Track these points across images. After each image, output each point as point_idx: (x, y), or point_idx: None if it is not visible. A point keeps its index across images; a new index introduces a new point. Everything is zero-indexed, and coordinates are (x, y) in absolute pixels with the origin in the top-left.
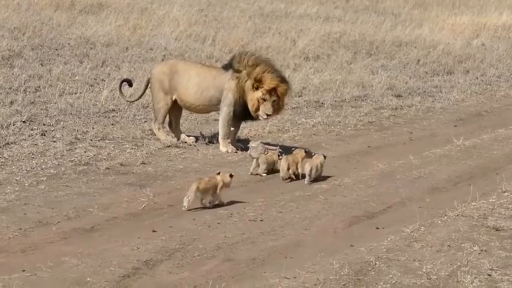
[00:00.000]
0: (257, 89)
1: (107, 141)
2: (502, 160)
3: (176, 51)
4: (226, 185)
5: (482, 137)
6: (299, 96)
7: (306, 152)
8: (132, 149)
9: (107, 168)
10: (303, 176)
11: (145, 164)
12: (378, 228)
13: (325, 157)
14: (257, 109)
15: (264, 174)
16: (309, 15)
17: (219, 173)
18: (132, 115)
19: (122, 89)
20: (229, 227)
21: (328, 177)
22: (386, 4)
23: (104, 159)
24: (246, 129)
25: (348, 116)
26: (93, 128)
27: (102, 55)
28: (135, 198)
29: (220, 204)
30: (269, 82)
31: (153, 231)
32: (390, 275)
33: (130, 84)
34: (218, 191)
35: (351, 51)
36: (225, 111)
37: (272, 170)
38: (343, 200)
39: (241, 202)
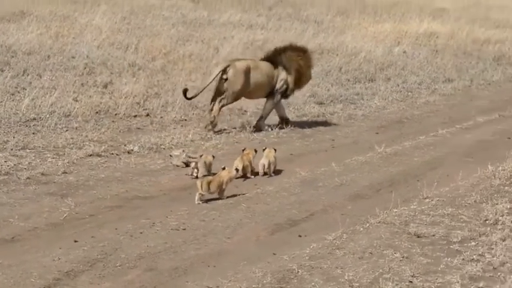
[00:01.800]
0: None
1: (28, 150)
2: (423, 167)
3: (98, 59)
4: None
5: (403, 144)
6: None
7: (255, 150)
8: (54, 158)
9: (28, 177)
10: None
11: (66, 173)
12: (300, 236)
13: (275, 150)
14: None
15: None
16: (232, 23)
17: (224, 168)
18: (53, 124)
19: (186, 95)
20: (151, 236)
21: (251, 185)
22: (309, 12)
23: (25, 168)
24: (168, 137)
25: (271, 124)
26: (13, 137)
27: (24, 63)
28: (57, 208)
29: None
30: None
31: (75, 241)
32: (313, 283)
33: (186, 90)
34: (224, 186)
35: None
36: (277, 97)
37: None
38: (265, 207)
39: (163, 211)
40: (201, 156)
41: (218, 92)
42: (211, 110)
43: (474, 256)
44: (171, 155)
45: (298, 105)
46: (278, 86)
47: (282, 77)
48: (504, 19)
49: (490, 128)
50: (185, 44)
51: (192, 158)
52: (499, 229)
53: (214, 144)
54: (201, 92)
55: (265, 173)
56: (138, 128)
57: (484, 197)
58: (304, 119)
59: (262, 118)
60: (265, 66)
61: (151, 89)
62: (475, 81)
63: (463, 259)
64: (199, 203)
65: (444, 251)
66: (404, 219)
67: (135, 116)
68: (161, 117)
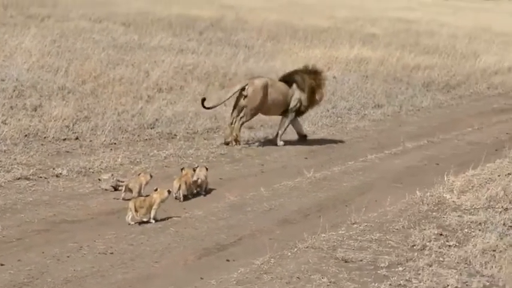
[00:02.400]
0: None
1: None
2: (352, 192)
3: (28, 82)
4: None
5: (332, 169)
6: (151, 128)
7: (194, 169)
8: None
9: None
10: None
11: None
12: (228, 260)
13: (207, 169)
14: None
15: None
16: (163, 47)
17: (156, 190)
18: None
19: (204, 104)
20: (78, 260)
21: (179, 209)
22: (240, 36)
23: None
24: (97, 161)
25: (200, 148)
26: None
27: None
28: None
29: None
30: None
31: (1, 264)
32: None
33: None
34: (155, 207)
35: (204, 83)
36: (292, 115)
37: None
38: (194, 232)
39: (91, 235)
40: (139, 174)
41: (237, 108)
42: (231, 124)
43: (401, 281)
44: (99, 179)
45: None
46: (292, 104)
47: (296, 96)
48: (433, 45)
49: (418, 154)
50: (115, 68)
51: (121, 181)
52: (426, 255)
53: (144, 168)
54: (219, 105)
55: (197, 192)
56: (67, 152)
57: (412, 222)
58: (234, 143)
59: (278, 135)
60: (281, 85)
61: (81, 112)
62: (404, 107)
63: (390, 284)
64: (131, 224)
65: (371, 276)
66: (332, 244)
67: (64, 140)
68: (90, 140)
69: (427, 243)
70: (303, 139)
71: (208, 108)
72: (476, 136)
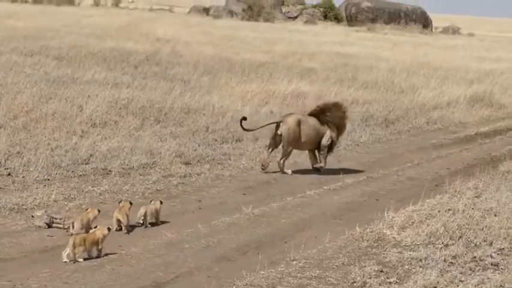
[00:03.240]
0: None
1: None
2: (291, 228)
3: None
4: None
5: (271, 205)
6: (86, 164)
7: (131, 203)
8: None
9: None
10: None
11: None
12: None
13: (161, 203)
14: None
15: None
16: (97, 81)
17: (96, 227)
18: None
19: (242, 124)
20: None
21: (115, 246)
22: (176, 71)
23: None
24: (30, 197)
25: (136, 184)
26: None
27: None
28: None
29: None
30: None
31: None
32: None
33: (245, 119)
34: (100, 245)
35: (139, 118)
36: (325, 150)
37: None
38: (130, 269)
39: (25, 273)
40: (86, 209)
41: (273, 142)
42: (268, 149)
43: None
44: (33, 216)
45: (164, 165)
46: (324, 141)
47: (328, 134)
48: (372, 80)
49: (358, 190)
50: (48, 102)
51: (55, 218)
52: None
53: (78, 204)
54: (255, 130)
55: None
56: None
57: (352, 259)
58: (171, 179)
59: (320, 170)
60: (312, 120)
61: (13, 147)
62: (343, 142)
63: None
64: (66, 261)
65: None
66: (271, 281)
67: None
68: (23, 176)
69: (368, 280)
70: (318, 170)
71: (246, 130)
72: (416, 171)
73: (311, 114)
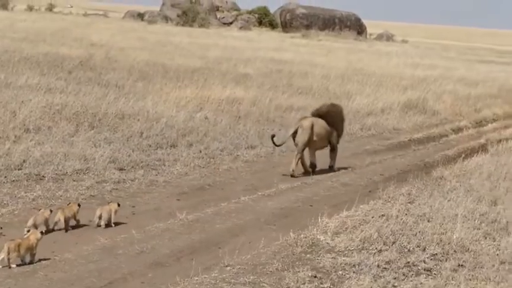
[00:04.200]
0: None
1: None
2: (225, 234)
3: None
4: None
5: (205, 210)
6: (19, 169)
7: (79, 204)
8: None
9: None
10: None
11: None
12: None
13: (119, 205)
14: None
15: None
16: (30, 86)
17: (29, 231)
18: None
19: (273, 140)
20: None
21: (48, 252)
22: (110, 76)
23: None
24: None
25: (70, 189)
26: None
27: None
28: None
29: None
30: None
31: None
32: None
33: (274, 136)
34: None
35: (73, 124)
36: (337, 146)
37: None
38: (63, 276)
39: None
40: (39, 210)
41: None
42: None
43: None
44: None
45: (98, 170)
46: (334, 141)
47: (335, 133)
48: (307, 86)
49: (292, 195)
50: None
51: None
52: None
53: (11, 210)
54: (284, 143)
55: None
56: None
57: (286, 264)
58: (104, 184)
59: (332, 166)
60: (322, 122)
61: None
62: (278, 148)
63: None
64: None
65: None
66: (205, 287)
67: None
68: None
69: (301, 286)
70: (313, 170)
71: (278, 145)
72: (349, 177)
73: (318, 116)
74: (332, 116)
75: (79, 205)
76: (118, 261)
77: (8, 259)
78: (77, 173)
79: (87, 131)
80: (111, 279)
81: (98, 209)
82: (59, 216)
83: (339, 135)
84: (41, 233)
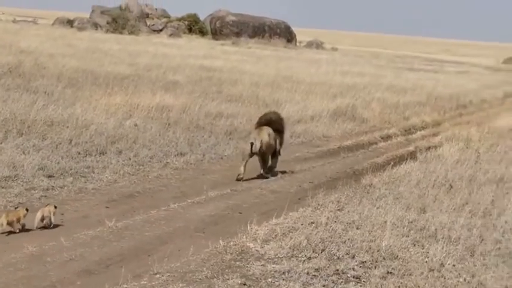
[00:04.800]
0: None
1: None
2: (154, 241)
3: None
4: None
5: (134, 218)
6: None
7: (26, 209)
8: None
9: None
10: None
11: None
12: None
13: (55, 207)
14: None
15: None
16: None
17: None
18: None
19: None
20: None
21: None
22: (39, 83)
23: None
24: None
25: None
26: None
27: None
28: None
29: None
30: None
31: None
32: None
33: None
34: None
35: (1, 131)
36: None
37: None
38: None
39: None
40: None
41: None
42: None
43: None
44: None
45: (26, 178)
46: (278, 147)
47: (279, 140)
48: (236, 93)
49: (221, 203)
50: None
51: None
52: None
53: None
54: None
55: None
56: None
57: (215, 272)
58: (33, 192)
59: (269, 173)
60: (271, 131)
61: None
62: (207, 156)
63: None
64: None
65: None
66: None
67: None
68: None
69: None
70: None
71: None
72: (279, 185)
73: (266, 124)
74: (277, 124)
75: (27, 210)
76: (46, 269)
77: None
78: (5, 180)
79: (16, 138)
80: (39, 286)
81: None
82: (2, 220)
83: (281, 144)
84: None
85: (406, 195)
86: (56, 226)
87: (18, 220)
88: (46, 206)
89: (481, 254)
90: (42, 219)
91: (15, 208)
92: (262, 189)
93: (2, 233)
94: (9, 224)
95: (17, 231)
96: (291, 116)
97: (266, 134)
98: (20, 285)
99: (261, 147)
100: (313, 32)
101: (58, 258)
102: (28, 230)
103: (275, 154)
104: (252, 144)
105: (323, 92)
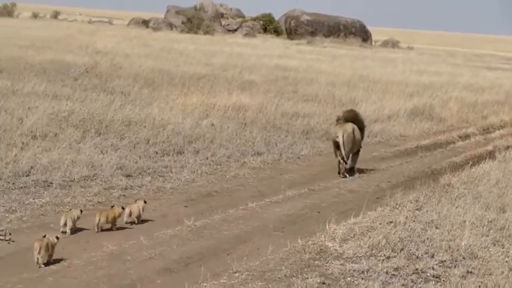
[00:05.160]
0: None
1: None
2: (233, 241)
3: None
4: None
5: (212, 217)
6: (27, 176)
7: (81, 210)
8: None
9: None
10: None
11: None
12: None
13: (145, 202)
14: None
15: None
16: (37, 93)
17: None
18: None
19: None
20: None
21: (58, 258)
22: (116, 83)
23: None
24: None
25: (77, 196)
26: None
27: None
28: None
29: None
30: None
31: None
32: None
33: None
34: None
35: (79, 130)
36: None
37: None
38: (73, 282)
39: None
40: (70, 209)
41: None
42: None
43: None
44: None
45: (105, 177)
46: (361, 144)
47: (360, 136)
48: (312, 93)
49: (299, 202)
50: None
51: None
52: None
53: (19, 216)
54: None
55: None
56: None
57: (294, 271)
58: (112, 191)
59: (353, 168)
60: (356, 127)
61: None
62: (284, 155)
63: None
64: (41, 267)
65: None
66: None
67: None
68: None
69: None
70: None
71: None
72: (357, 184)
73: (350, 121)
74: (359, 121)
75: (123, 208)
76: (126, 267)
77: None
78: (84, 179)
79: (94, 138)
80: (120, 285)
81: (126, 207)
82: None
83: (362, 140)
84: (57, 237)
85: (485, 194)
86: (144, 221)
87: (114, 218)
88: (136, 201)
89: None
90: (130, 214)
91: (111, 207)
92: (340, 188)
93: (103, 230)
94: (108, 222)
95: (114, 229)
96: (368, 115)
97: (351, 129)
98: (100, 283)
99: (347, 141)
100: (388, 31)
101: (138, 256)
102: (108, 230)
103: (357, 151)
104: (340, 137)
105: (399, 91)
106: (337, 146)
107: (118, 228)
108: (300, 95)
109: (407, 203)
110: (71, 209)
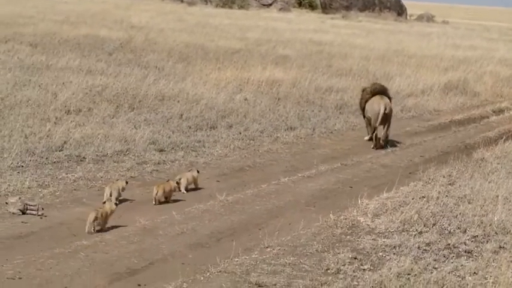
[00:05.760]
0: None
1: None
2: (265, 215)
3: None
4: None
5: (245, 192)
6: (60, 151)
7: (126, 181)
8: None
9: None
10: None
11: None
12: (139, 285)
13: (198, 172)
14: None
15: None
16: (71, 68)
17: (104, 202)
18: None
19: None
20: None
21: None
22: (150, 58)
23: None
24: (4, 184)
25: (110, 171)
26: None
27: None
28: None
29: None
30: None
31: None
32: None
33: None
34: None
35: (113, 105)
36: None
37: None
38: (104, 256)
39: None
40: (117, 180)
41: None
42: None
43: None
44: (7, 202)
45: (138, 152)
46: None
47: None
48: (346, 67)
49: (332, 177)
50: (22, 89)
51: (29, 205)
52: (341, 278)
53: (52, 191)
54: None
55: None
56: None
57: (326, 246)
58: (145, 166)
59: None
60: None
61: None
62: (317, 130)
63: None
64: (91, 232)
65: None
66: (246, 268)
67: None
68: None
69: (342, 267)
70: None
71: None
72: (389, 159)
73: (381, 93)
74: (387, 94)
75: (177, 183)
76: (158, 242)
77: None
78: (117, 154)
79: (127, 113)
80: (151, 259)
81: (178, 175)
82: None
83: None
84: (115, 204)
85: None
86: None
87: (170, 192)
88: (189, 170)
89: None
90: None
91: (167, 181)
92: (373, 163)
93: (160, 203)
94: (165, 194)
95: (170, 201)
96: (402, 89)
97: (388, 100)
98: (132, 257)
99: (390, 113)
100: (423, 6)
101: (170, 231)
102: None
103: (390, 124)
104: (382, 109)
105: (434, 65)
106: (376, 119)
107: (149, 206)
108: (334, 69)
109: (440, 178)
110: (117, 180)
